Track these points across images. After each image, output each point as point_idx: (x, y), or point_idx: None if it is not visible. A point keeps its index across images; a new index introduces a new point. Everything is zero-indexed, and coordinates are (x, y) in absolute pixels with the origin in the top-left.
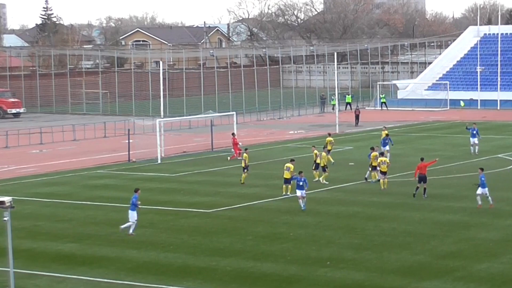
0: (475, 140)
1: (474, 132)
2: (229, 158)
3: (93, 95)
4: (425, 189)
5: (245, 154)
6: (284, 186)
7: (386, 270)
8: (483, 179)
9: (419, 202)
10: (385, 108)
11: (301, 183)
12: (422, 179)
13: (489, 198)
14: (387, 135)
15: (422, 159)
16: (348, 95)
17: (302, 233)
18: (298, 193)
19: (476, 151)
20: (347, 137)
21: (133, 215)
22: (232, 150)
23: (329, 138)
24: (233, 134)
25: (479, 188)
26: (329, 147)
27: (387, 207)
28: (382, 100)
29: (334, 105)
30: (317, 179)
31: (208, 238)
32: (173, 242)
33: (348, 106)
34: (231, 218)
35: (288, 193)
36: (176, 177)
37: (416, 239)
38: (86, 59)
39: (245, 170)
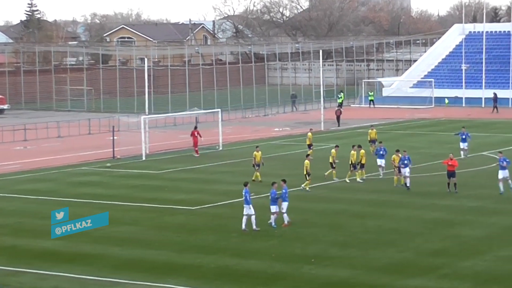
0: (465, 145)
1: (464, 136)
2: (196, 154)
3: (77, 92)
4: (455, 184)
5: (255, 152)
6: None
7: (371, 268)
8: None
9: (404, 199)
10: (373, 106)
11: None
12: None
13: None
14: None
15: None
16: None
17: (287, 230)
18: (273, 208)
19: (467, 155)
20: (332, 134)
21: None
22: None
23: (309, 134)
24: (195, 127)
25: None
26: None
27: (372, 204)
28: (370, 98)
29: (340, 103)
30: (357, 178)
31: (193, 235)
32: (158, 239)
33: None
34: (215, 215)
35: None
36: (160, 174)
37: (401, 237)
38: (71, 56)
39: (257, 168)
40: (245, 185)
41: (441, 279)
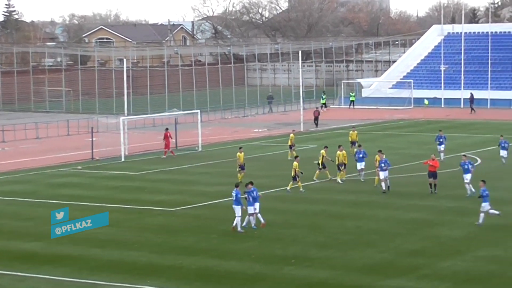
0: (442, 147)
1: (441, 139)
2: (172, 154)
3: (56, 93)
4: (435, 185)
5: (239, 153)
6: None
7: (350, 268)
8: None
9: (383, 200)
10: (352, 107)
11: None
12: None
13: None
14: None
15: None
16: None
17: (267, 231)
18: (250, 209)
19: (442, 157)
20: (311, 135)
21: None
22: (166, 148)
23: (292, 135)
24: (166, 129)
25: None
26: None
27: (351, 205)
28: (351, 99)
29: (324, 103)
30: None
31: (173, 236)
32: (138, 241)
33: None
34: (195, 216)
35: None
36: (140, 175)
37: (381, 237)
38: (49, 57)
39: (240, 170)
40: (236, 186)
41: (421, 279)
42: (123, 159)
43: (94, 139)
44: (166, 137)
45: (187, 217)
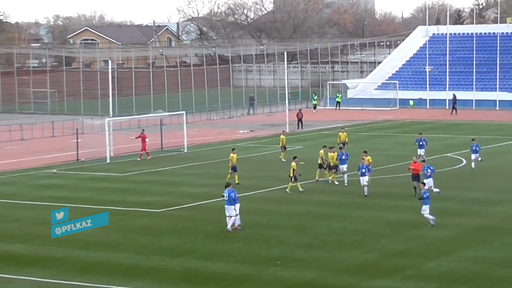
0: (422, 151)
1: (422, 143)
2: (147, 156)
3: (41, 94)
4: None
5: (232, 155)
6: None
7: (336, 269)
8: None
9: (368, 201)
10: (338, 108)
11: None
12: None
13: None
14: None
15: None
16: (314, 95)
17: (252, 232)
18: (230, 211)
19: (422, 160)
20: (297, 136)
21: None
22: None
23: (282, 136)
24: (143, 130)
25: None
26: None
27: (337, 206)
28: (337, 100)
29: (315, 104)
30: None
31: (158, 237)
32: (123, 242)
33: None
34: (181, 217)
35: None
36: (125, 176)
37: (366, 238)
38: (34, 58)
39: (231, 171)
40: (227, 186)
41: (406, 280)
42: (108, 161)
43: (79, 140)
44: (143, 139)
45: (172, 218)
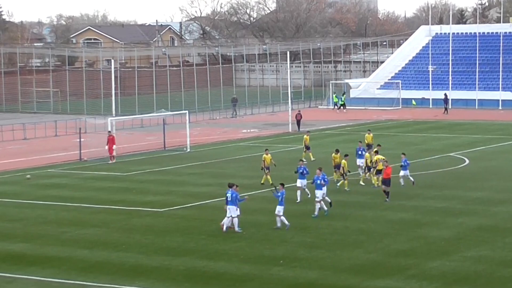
0: (406, 172)
1: (403, 163)
2: (110, 161)
3: (43, 94)
4: (388, 192)
5: (265, 155)
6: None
7: (339, 269)
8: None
9: (371, 200)
10: (343, 109)
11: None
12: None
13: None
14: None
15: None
16: (335, 94)
17: (255, 232)
18: (233, 212)
19: (402, 183)
20: (300, 136)
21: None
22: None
23: (306, 136)
24: (109, 132)
25: (401, 171)
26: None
27: (339, 206)
28: (340, 103)
29: (342, 104)
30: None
31: (161, 237)
32: (126, 242)
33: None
34: (184, 217)
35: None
36: (128, 176)
37: (369, 238)
38: (37, 57)
39: (267, 171)
40: (230, 186)
41: (409, 279)
42: (111, 160)
43: (82, 139)
44: (110, 141)
45: (175, 218)
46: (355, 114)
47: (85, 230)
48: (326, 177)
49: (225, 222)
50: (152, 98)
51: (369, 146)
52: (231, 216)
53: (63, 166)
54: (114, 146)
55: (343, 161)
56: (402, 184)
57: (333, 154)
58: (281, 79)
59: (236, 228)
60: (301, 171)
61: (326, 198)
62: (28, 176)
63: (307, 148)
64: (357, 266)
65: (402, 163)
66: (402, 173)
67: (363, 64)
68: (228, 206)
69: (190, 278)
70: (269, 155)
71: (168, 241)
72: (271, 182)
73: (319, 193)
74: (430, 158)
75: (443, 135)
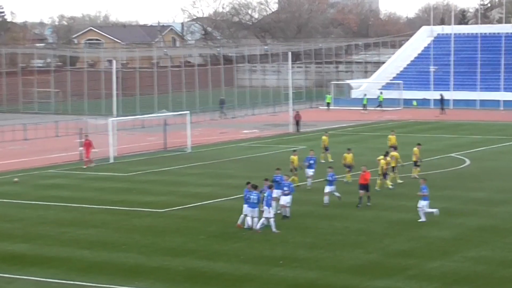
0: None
1: (330, 178)
2: (85, 166)
3: (45, 94)
4: (368, 196)
5: (292, 156)
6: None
7: (339, 269)
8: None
9: (372, 201)
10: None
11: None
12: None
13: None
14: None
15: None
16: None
17: (255, 232)
18: (249, 210)
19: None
20: (302, 136)
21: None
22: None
23: (324, 137)
24: (86, 135)
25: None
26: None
27: (339, 206)
28: (327, 100)
29: (365, 104)
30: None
31: (161, 237)
32: (125, 242)
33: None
34: (184, 217)
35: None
36: (128, 176)
37: (369, 238)
38: (38, 58)
39: (295, 172)
40: (270, 187)
41: (409, 280)
42: (111, 161)
43: (83, 140)
44: (86, 145)
45: (175, 218)
46: (356, 114)
47: (85, 230)
48: (334, 175)
49: (256, 222)
50: (153, 99)
51: (394, 147)
52: (267, 217)
53: (64, 167)
54: (93, 150)
55: (382, 160)
56: (326, 202)
57: (345, 154)
58: (282, 80)
59: (273, 229)
60: (329, 178)
61: (336, 193)
62: (16, 179)
63: (326, 149)
64: (357, 266)
65: (328, 177)
66: (327, 189)
67: (364, 65)
68: (264, 207)
69: (190, 279)
70: (297, 156)
71: (168, 241)
72: (297, 184)
73: (328, 188)
74: (431, 159)
75: (444, 136)
